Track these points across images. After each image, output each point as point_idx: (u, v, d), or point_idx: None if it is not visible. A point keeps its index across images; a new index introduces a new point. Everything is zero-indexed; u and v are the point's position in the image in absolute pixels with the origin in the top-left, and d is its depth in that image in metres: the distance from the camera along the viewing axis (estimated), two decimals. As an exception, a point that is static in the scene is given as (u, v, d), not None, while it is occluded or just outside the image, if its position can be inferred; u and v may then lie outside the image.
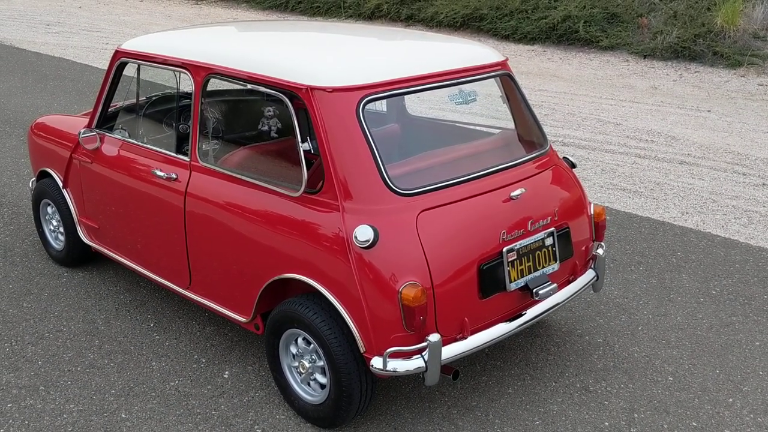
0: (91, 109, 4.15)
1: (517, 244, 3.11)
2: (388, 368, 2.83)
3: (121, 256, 4.06)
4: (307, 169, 3.01)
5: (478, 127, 3.94)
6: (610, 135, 7.63)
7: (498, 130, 3.77)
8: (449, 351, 2.91)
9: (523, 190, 3.18)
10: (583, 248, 3.51)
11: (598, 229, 3.59)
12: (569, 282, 3.43)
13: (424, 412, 3.29)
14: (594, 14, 11.86)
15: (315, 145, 3.02)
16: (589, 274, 3.53)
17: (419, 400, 3.37)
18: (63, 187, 4.35)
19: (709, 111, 8.62)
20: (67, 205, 4.33)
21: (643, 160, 6.82)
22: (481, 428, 3.19)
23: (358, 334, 2.88)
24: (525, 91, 9.92)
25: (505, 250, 3.07)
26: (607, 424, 3.21)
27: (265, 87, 3.15)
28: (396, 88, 3.07)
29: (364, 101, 2.97)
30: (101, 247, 4.21)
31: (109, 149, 3.96)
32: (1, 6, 16.77)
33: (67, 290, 4.33)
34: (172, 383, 3.48)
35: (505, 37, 12.63)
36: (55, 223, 4.57)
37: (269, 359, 3.29)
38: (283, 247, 3.08)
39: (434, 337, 2.83)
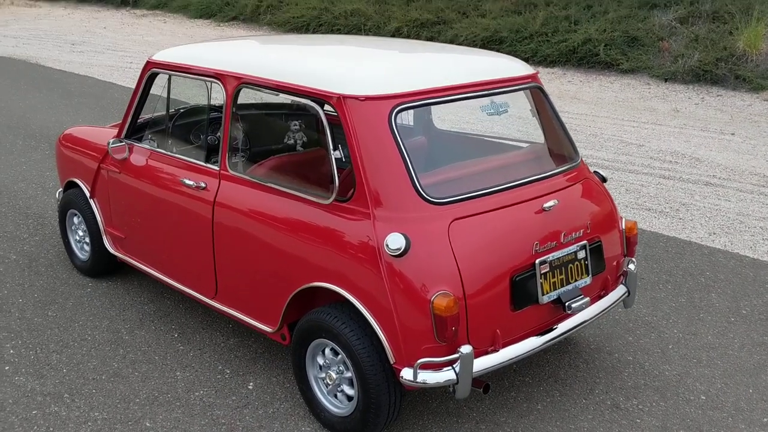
0: (120, 120, 4.17)
1: (550, 257, 3.07)
2: (418, 380, 2.78)
3: (146, 266, 4.05)
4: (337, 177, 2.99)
5: (505, 141, 3.92)
6: (633, 156, 7.58)
7: (526, 144, 3.75)
8: (481, 363, 2.87)
9: (556, 201, 3.15)
10: (615, 263, 3.46)
11: (629, 244, 3.54)
12: (600, 297, 3.38)
13: (452, 427, 3.23)
14: (614, 37, 11.86)
15: (346, 153, 3.01)
16: (620, 290, 3.48)
17: (447, 415, 3.31)
18: (90, 197, 4.36)
19: (732, 134, 8.56)
20: (94, 215, 4.34)
21: (667, 180, 6.76)
22: (510, 444, 3.13)
23: (387, 345, 2.84)
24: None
25: (537, 261, 3.03)
26: (639, 442, 3.15)
27: (297, 96, 3.15)
28: (428, 98, 3.06)
29: (396, 110, 2.96)
30: (127, 257, 4.21)
31: (138, 159, 3.97)
32: (27, 26, 17.04)
33: (92, 300, 4.32)
34: (197, 393, 3.45)
35: (525, 60, 12.60)
36: (80, 233, 4.57)
37: (295, 370, 3.25)
38: (312, 255, 3.06)
39: (466, 349, 2.78)
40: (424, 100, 3.05)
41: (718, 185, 6.62)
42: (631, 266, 3.52)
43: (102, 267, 4.51)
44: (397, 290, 2.80)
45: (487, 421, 3.28)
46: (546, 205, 3.12)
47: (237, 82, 3.38)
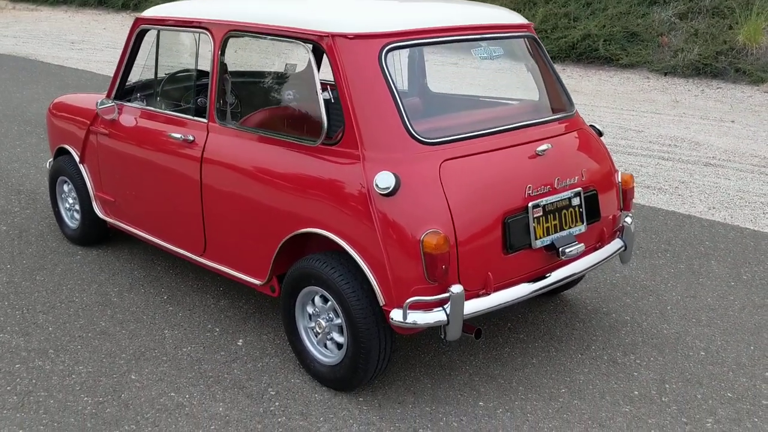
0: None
1: (543, 201, 3.00)
2: (408, 320, 2.71)
3: (135, 228, 3.99)
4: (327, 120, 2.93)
5: (501, 100, 3.86)
6: (632, 140, 7.52)
7: (521, 100, 3.69)
8: (472, 306, 2.79)
9: (550, 146, 3.09)
10: (611, 217, 3.39)
11: (625, 198, 3.47)
12: (596, 249, 3.31)
13: (445, 379, 3.15)
14: (614, 33, 11.82)
15: (335, 94, 2.95)
16: (616, 243, 3.41)
17: (439, 368, 3.23)
18: (80, 162, 4.30)
19: (732, 121, 8.51)
20: (84, 181, 4.28)
21: (666, 162, 6.70)
22: (504, 395, 3.05)
23: (377, 286, 2.77)
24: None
25: (530, 205, 2.96)
26: (636, 393, 3.06)
27: (287, 39, 3.09)
28: (419, 38, 3.01)
29: (386, 49, 2.90)
30: (117, 221, 4.14)
31: (127, 119, 3.92)
32: (27, 27, 17.05)
33: (81, 266, 4.26)
34: (185, 349, 3.38)
35: (525, 56, 12.61)
36: (71, 201, 4.51)
37: (285, 322, 3.18)
38: (301, 201, 2.99)
39: (457, 288, 2.71)
40: (414, 39, 2.99)
41: (718, 165, 6.55)
42: (628, 220, 3.44)
43: (92, 235, 4.44)
44: (386, 230, 2.74)
45: (480, 374, 3.20)
46: (539, 149, 3.05)
47: (225, 30, 3.32)
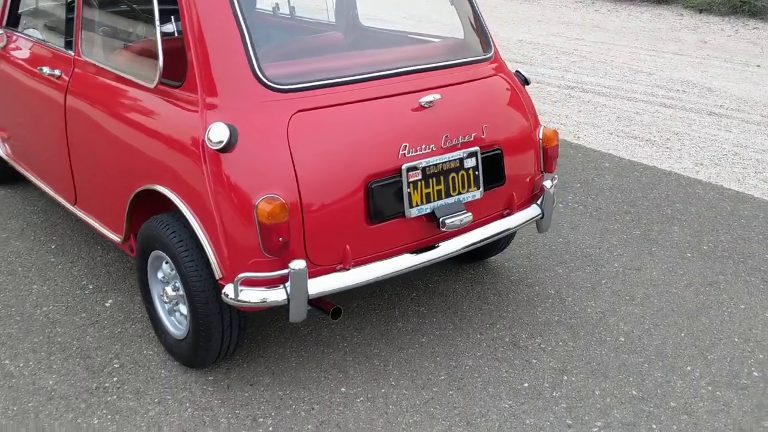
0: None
1: (423, 162, 2.56)
2: (241, 298, 2.34)
3: (26, 170, 3.67)
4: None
5: (425, 38, 3.36)
6: (638, 84, 6.89)
7: (445, 39, 3.20)
8: (322, 284, 2.40)
9: (438, 96, 2.62)
10: (526, 179, 2.93)
11: (546, 158, 2.99)
12: (503, 216, 2.86)
13: (315, 357, 2.79)
14: (649, -37, 10.92)
15: (179, 27, 2.52)
16: (532, 210, 2.95)
17: (314, 344, 2.87)
18: (-20, 96, 3.98)
19: (758, 66, 7.75)
20: (-15, 115, 3.96)
21: (667, 109, 6.08)
22: (372, 380, 2.67)
23: (214, 257, 2.40)
24: (559, 40, 9.14)
25: (404, 167, 2.52)
26: (526, 385, 2.66)
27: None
28: (279, -37, 2.54)
29: (235, -23, 2.44)
30: (13, 162, 3.83)
31: (14, 49, 3.56)
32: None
33: (-21, 208, 3.99)
34: (45, 308, 3.08)
35: (553, -12, 11.84)
36: (-23, 138, 4.21)
37: (140, 286, 2.84)
38: (146, 152, 2.61)
39: (297, 264, 2.31)
40: (273, -35, 2.53)
41: (723, 115, 5.92)
42: (548, 183, 2.97)
43: None
44: (220, 193, 2.34)
45: (356, 352, 2.83)
46: (424, 100, 2.59)
47: (83, -48, 2.90)
